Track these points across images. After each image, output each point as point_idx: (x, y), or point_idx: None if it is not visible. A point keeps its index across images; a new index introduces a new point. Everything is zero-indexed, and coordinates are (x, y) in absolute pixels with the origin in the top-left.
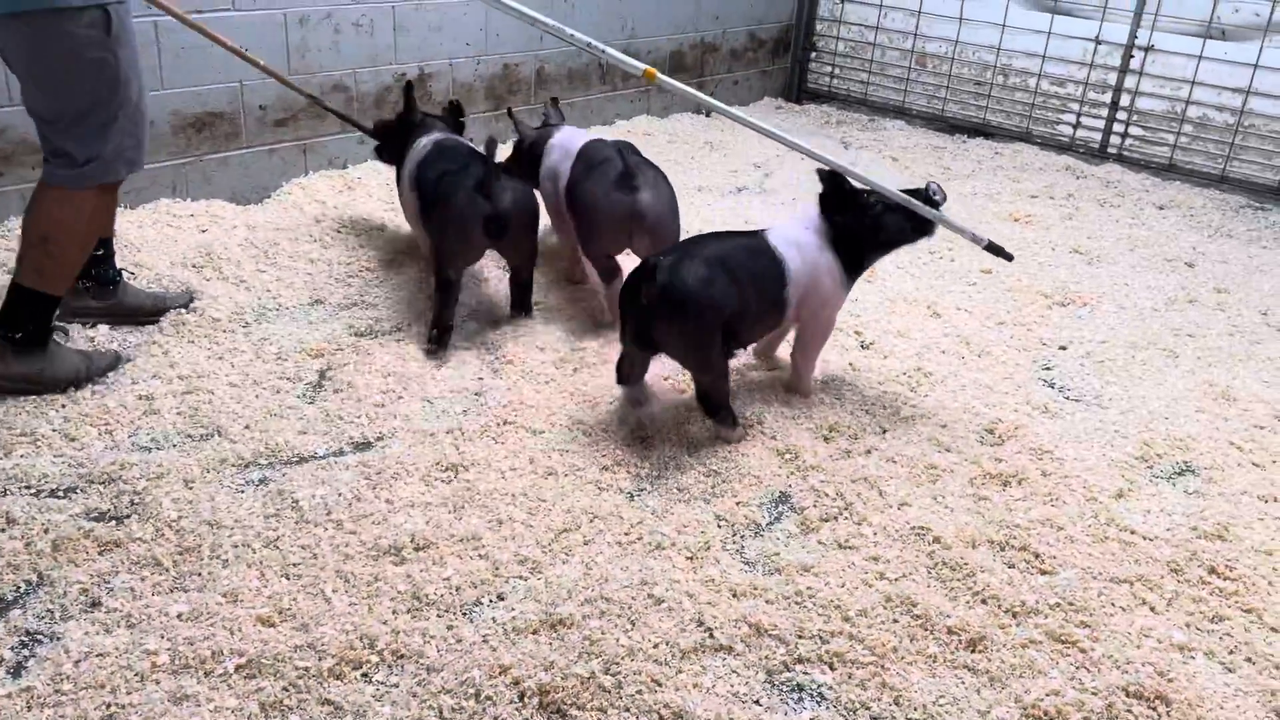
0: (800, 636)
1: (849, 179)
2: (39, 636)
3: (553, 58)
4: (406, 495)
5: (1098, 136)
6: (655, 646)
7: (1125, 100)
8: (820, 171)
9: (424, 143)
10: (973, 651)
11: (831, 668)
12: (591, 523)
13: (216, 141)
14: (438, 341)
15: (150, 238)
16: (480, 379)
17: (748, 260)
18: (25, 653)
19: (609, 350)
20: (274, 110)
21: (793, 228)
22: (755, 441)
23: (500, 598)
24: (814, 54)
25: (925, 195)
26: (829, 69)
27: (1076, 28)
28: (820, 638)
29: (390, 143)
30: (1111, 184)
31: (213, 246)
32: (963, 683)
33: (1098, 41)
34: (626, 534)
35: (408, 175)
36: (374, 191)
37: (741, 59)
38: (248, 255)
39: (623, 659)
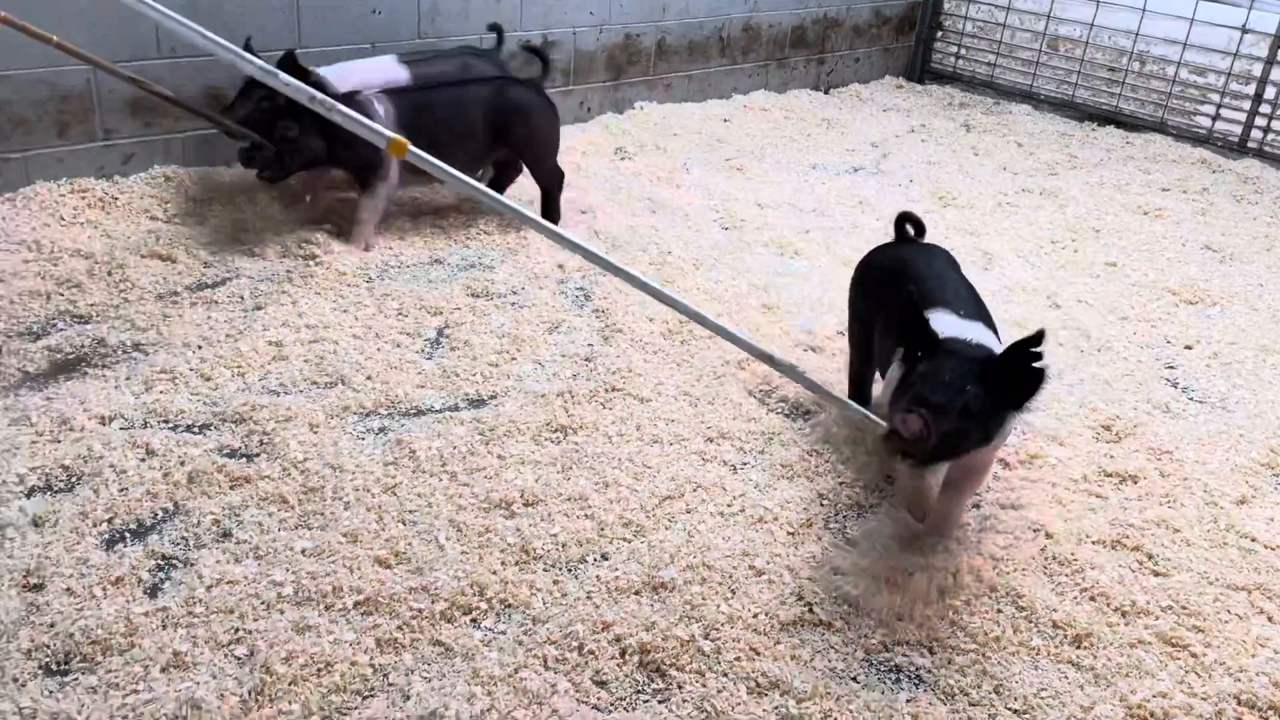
0: (900, 619)
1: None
2: (174, 561)
3: (674, 29)
4: (517, 452)
5: (1237, 129)
6: (755, 616)
7: (1270, 93)
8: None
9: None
10: (1078, 647)
11: (931, 651)
12: (694, 491)
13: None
14: None
15: (281, 189)
16: (590, 345)
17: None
18: (161, 575)
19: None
20: None
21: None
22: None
23: (604, 557)
24: (940, 33)
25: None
26: (954, 49)
27: (1221, 15)
28: (921, 621)
29: None
30: (1250, 180)
31: (337, 204)
32: (1066, 677)
33: (1244, 30)
34: (729, 505)
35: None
36: None
37: (864, 35)
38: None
39: (722, 625)
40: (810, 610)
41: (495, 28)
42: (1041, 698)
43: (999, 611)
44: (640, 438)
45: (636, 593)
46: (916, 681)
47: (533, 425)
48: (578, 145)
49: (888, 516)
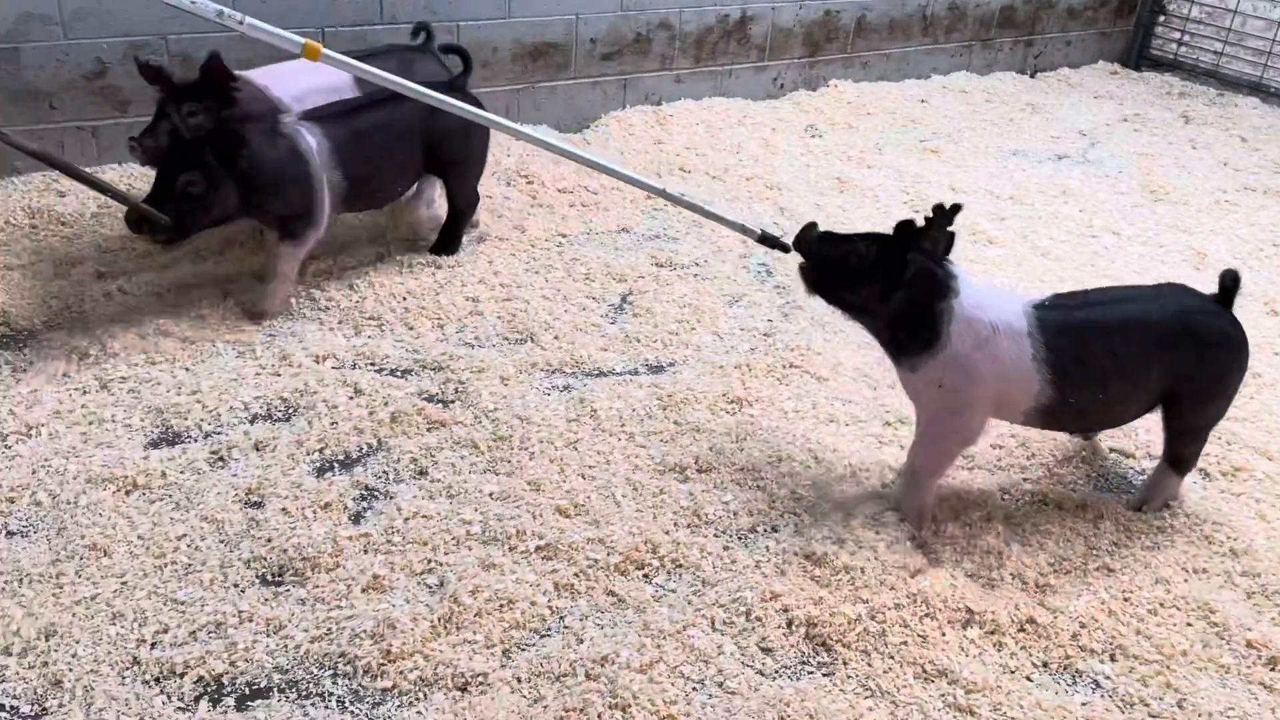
0: (1083, 625)
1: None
2: (375, 492)
3: (876, 6)
4: (693, 420)
5: None
6: (925, 604)
7: None
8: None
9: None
10: (1272, 669)
11: (1113, 659)
12: (868, 474)
13: (549, 70)
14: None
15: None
16: (770, 320)
17: None
18: (364, 504)
19: None
20: (603, 44)
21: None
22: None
23: (774, 529)
24: (1163, 17)
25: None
26: (1177, 35)
27: None
28: (1105, 628)
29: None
30: None
31: (531, 169)
32: (1256, 698)
33: None
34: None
35: None
36: (685, 129)
37: (1079, 18)
38: (562, 180)
39: (889, 610)
40: (984, 605)
41: (423, 26)
42: (1228, 716)
43: (1188, 625)
44: (815, 415)
45: (805, 567)
46: (1094, 686)
47: (709, 395)
48: (767, 122)
49: (1069, 513)
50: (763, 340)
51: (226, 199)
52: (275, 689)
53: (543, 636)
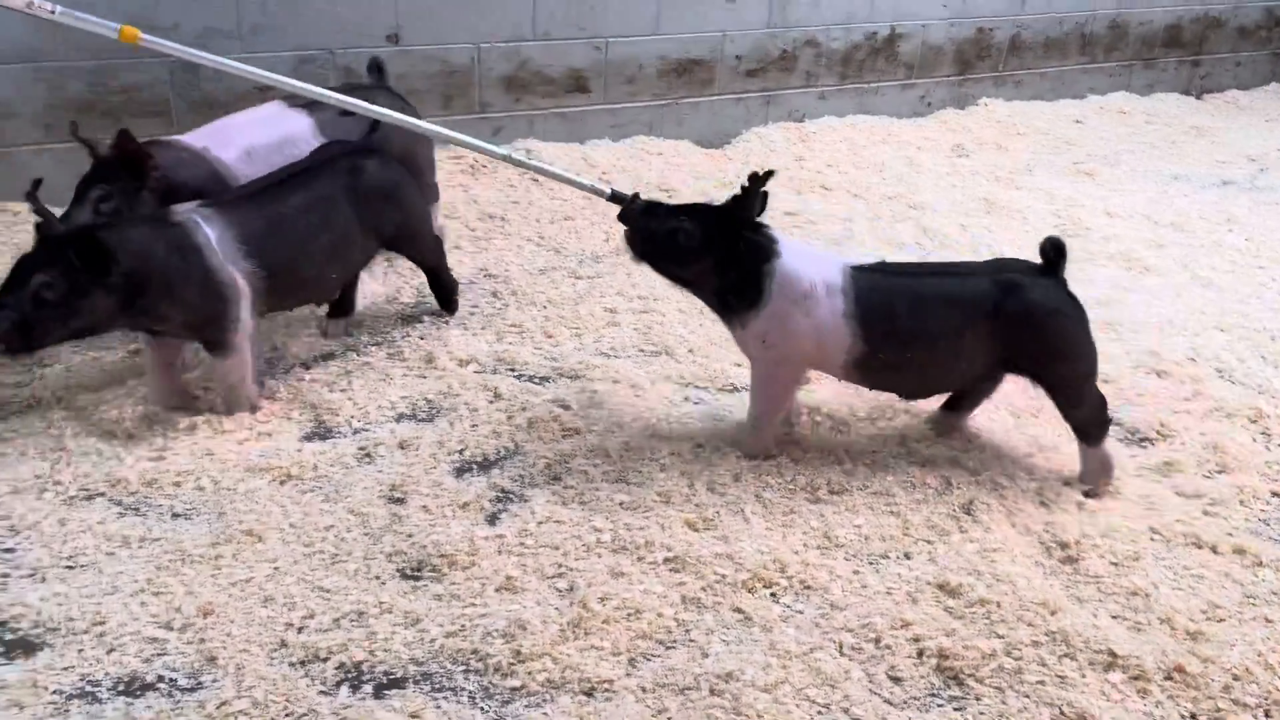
0: (1236, 677)
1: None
2: (511, 495)
3: (1032, 24)
4: (826, 441)
5: None
6: (1063, 643)
7: None
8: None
9: None
10: None
11: (1268, 715)
12: (1002, 504)
13: (692, 86)
14: None
15: (625, 167)
16: None
17: None
18: (500, 506)
19: None
20: (748, 61)
21: None
22: (1198, 456)
23: (907, 556)
24: None
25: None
26: None
27: None
28: (1260, 682)
29: None
30: None
31: (672, 182)
32: None
33: None
34: (1045, 527)
35: None
36: (827, 146)
37: (1251, 38)
38: (702, 195)
39: (1026, 647)
40: (1128, 648)
41: (376, 63)
42: None
43: None
44: (951, 442)
45: (938, 597)
46: None
47: (844, 416)
48: (912, 140)
49: (1225, 557)
50: None
51: (94, 307)
52: (411, 680)
53: (668, 648)
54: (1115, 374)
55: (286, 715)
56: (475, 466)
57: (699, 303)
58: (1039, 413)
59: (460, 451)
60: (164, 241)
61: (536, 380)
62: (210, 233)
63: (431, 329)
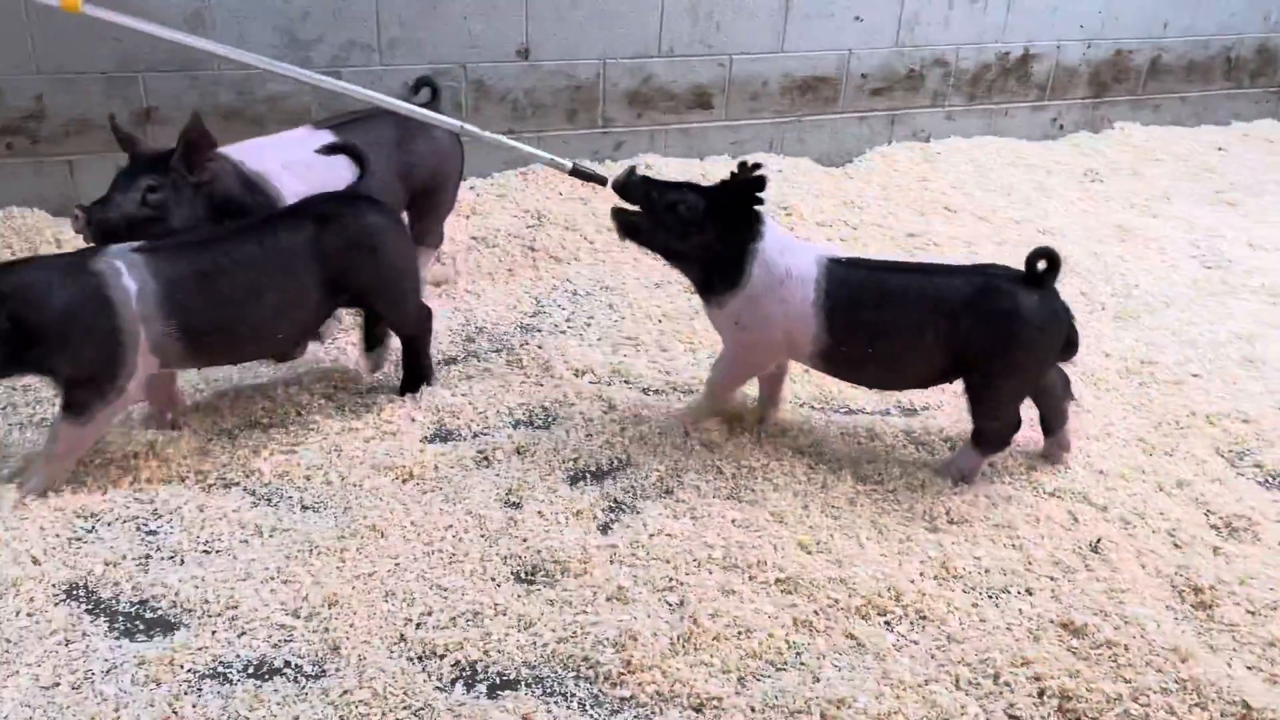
0: None
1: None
2: (623, 506)
3: (1174, 46)
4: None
5: None
6: (1194, 692)
7: None
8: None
9: None
10: None
11: None
12: (1132, 543)
13: (816, 104)
14: None
15: None
16: None
17: None
18: (612, 516)
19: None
20: (874, 79)
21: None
22: None
23: (1029, 591)
24: None
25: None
26: None
27: None
28: None
29: None
30: None
31: (791, 201)
32: None
33: None
34: (1178, 570)
35: None
36: (953, 168)
37: None
38: (821, 214)
39: (1154, 693)
40: (1264, 701)
41: (425, 81)
42: None
43: None
44: (1076, 477)
45: (1061, 636)
46: None
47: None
48: (1042, 164)
49: None
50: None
51: None
52: (523, 682)
53: (779, 669)
54: (1256, 413)
55: (405, 708)
56: (589, 475)
57: None
58: (1173, 451)
59: (574, 460)
60: (70, 290)
61: (650, 392)
62: (130, 285)
63: (549, 338)
